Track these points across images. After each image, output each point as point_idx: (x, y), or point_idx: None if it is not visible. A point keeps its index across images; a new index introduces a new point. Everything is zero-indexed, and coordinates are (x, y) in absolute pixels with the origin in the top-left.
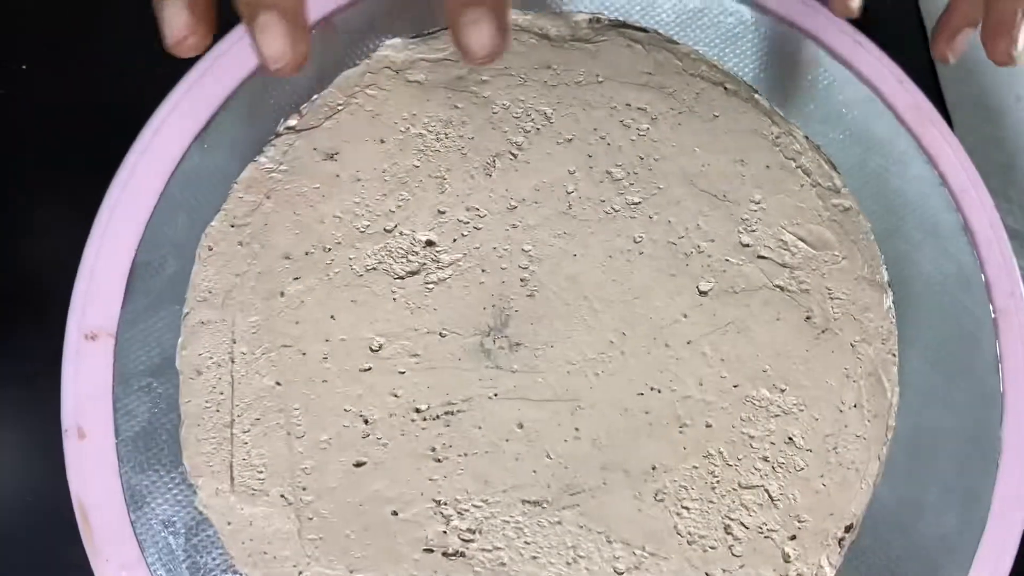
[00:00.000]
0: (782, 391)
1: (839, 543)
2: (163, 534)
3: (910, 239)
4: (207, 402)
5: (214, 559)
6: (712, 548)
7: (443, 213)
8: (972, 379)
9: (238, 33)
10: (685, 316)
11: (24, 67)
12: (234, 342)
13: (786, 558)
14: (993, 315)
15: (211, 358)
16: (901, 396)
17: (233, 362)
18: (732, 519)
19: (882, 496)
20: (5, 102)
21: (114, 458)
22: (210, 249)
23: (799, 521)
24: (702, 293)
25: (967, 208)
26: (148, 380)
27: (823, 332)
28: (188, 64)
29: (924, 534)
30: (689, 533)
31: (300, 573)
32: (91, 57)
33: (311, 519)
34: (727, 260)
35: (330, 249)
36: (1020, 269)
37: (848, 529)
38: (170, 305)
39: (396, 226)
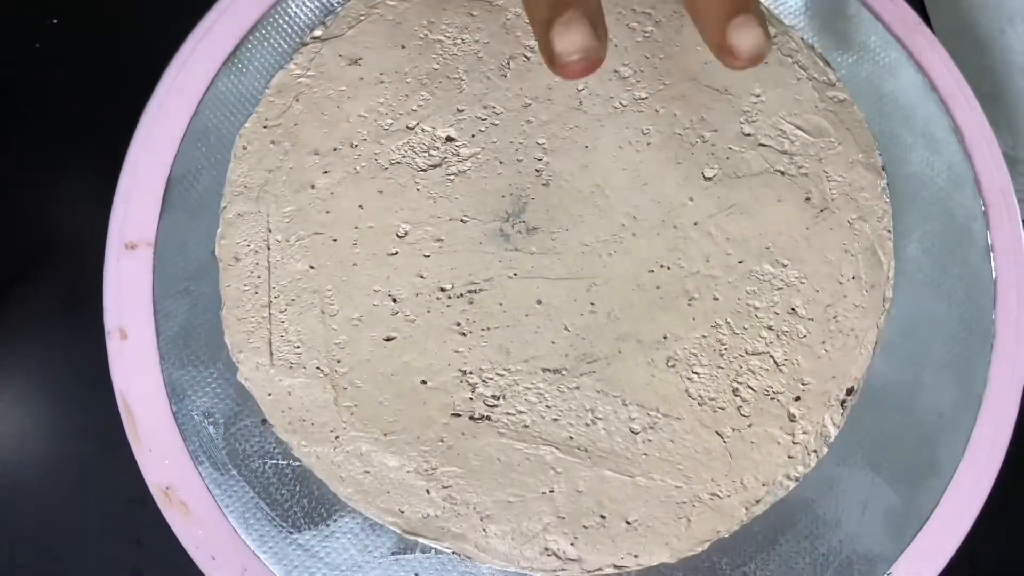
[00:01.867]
0: (784, 266)
1: (841, 404)
2: (203, 424)
3: (903, 140)
4: (245, 286)
5: (251, 446)
6: (721, 409)
7: (461, 111)
8: (965, 267)
9: None
10: (691, 200)
11: (55, 21)
12: (269, 231)
13: (791, 418)
14: (984, 208)
15: (248, 246)
16: (897, 285)
17: (269, 249)
18: (740, 383)
19: (881, 376)
20: (39, 54)
21: (155, 356)
22: (244, 148)
23: (803, 384)
24: (707, 179)
25: (956, 111)
26: (186, 284)
27: (822, 211)
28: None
29: (922, 412)
30: (700, 396)
31: (337, 437)
32: (117, 10)
33: (346, 388)
34: (730, 148)
35: (356, 145)
36: (1017, 193)
37: (850, 392)
38: (204, 215)
39: (418, 123)
